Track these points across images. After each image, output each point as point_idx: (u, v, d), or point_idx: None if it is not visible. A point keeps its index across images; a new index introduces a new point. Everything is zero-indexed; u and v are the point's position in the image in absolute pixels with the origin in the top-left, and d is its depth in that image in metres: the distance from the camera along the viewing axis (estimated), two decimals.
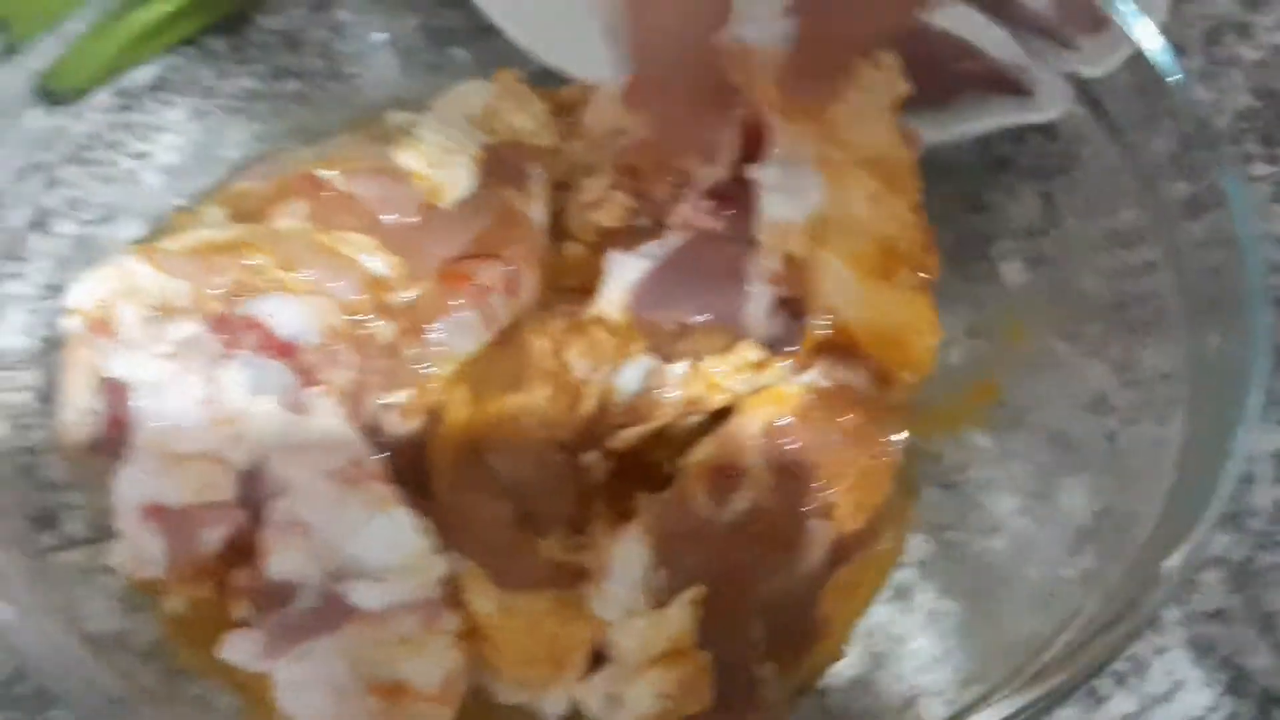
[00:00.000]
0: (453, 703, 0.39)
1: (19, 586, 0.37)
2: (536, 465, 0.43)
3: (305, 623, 0.38)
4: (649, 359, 0.43)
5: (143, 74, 0.51)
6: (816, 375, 0.43)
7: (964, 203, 0.54)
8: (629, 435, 0.42)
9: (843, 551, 0.42)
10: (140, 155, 0.51)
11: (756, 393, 0.43)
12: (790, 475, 0.41)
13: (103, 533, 0.43)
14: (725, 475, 0.41)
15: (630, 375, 0.43)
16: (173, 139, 0.52)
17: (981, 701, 0.38)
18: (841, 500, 0.41)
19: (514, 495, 0.42)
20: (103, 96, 0.50)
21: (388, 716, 0.38)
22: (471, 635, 0.40)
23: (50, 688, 0.33)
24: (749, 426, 0.42)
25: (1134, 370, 0.47)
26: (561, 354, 0.43)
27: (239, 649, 0.38)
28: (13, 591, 0.37)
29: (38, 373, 0.45)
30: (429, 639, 0.39)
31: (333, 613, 0.38)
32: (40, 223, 0.48)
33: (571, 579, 0.41)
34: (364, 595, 0.38)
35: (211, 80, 0.53)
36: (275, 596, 0.38)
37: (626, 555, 0.40)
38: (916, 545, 0.46)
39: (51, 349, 0.46)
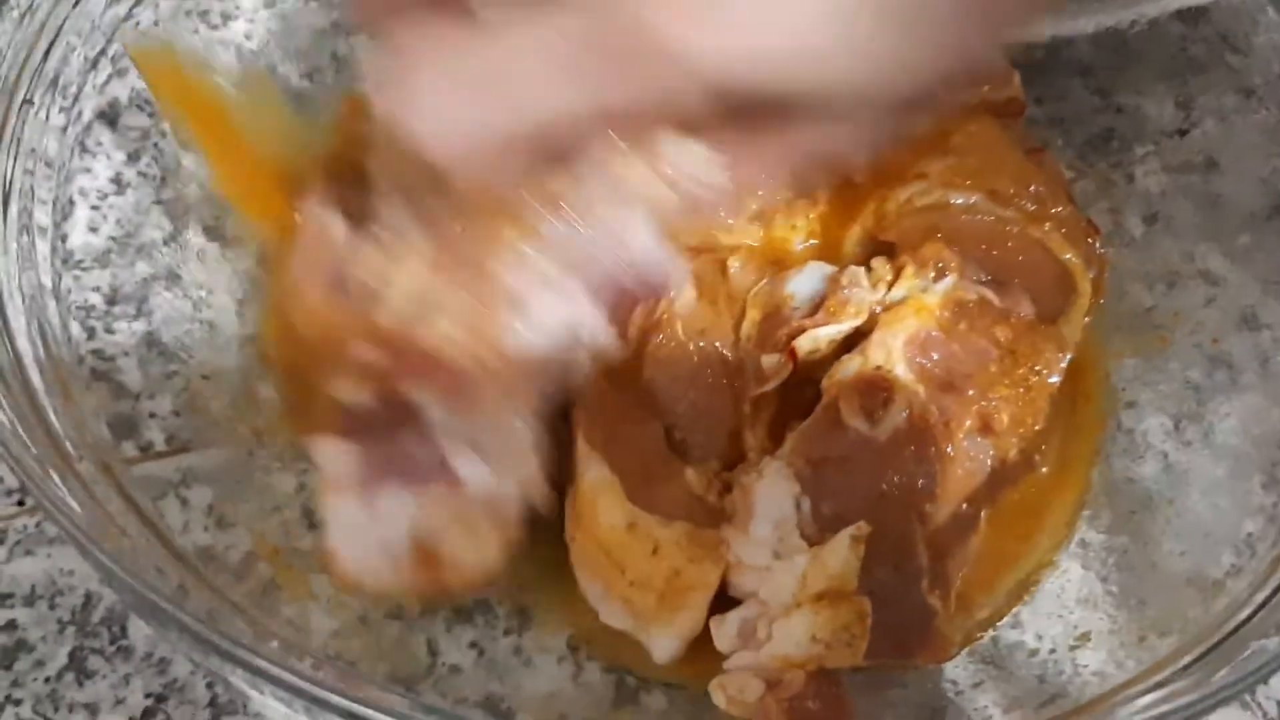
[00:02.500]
0: (475, 593, 0.38)
1: (104, 495, 0.34)
2: (695, 388, 0.40)
3: (403, 467, 0.36)
4: (824, 264, 0.41)
5: None
6: (955, 284, 0.40)
7: (1100, 104, 0.50)
8: (822, 334, 0.39)
9: (1003, 474, 0.38)
10: (210, 44, 0.47)
11: (894, 306, 0.40)
12: (942, 388, 0.38)
13: (182, 443, 0.40)
14: (875, 389, 0.38)
15: (807, 279, 0.40)
16: (244, 26, 0.48)
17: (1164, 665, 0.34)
18: (998, 415, 0.38)
19: (668, 416, 0.39)
20: None
21: (416, 584, 0.37)
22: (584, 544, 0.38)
23: (136, 603, 0.30)
24: (894, 339, 0.39)
25: None
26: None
27: (331, 454, 0.36)
28: (98, 500, 0.33)
29: (106, 273, 0.42)
30: (488, 530, 0.37)
31: (430, 469, 0.36)
32: (109, 115, 0.45)
33: (708, 517, 0.38)
34: (466, 469, 0.36)
35: None
36: (389, 421, 0.36)
37: (772, 490, 0.37)
38: None
39: (121, 248, 0.43)
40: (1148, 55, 0.49)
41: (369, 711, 0.28)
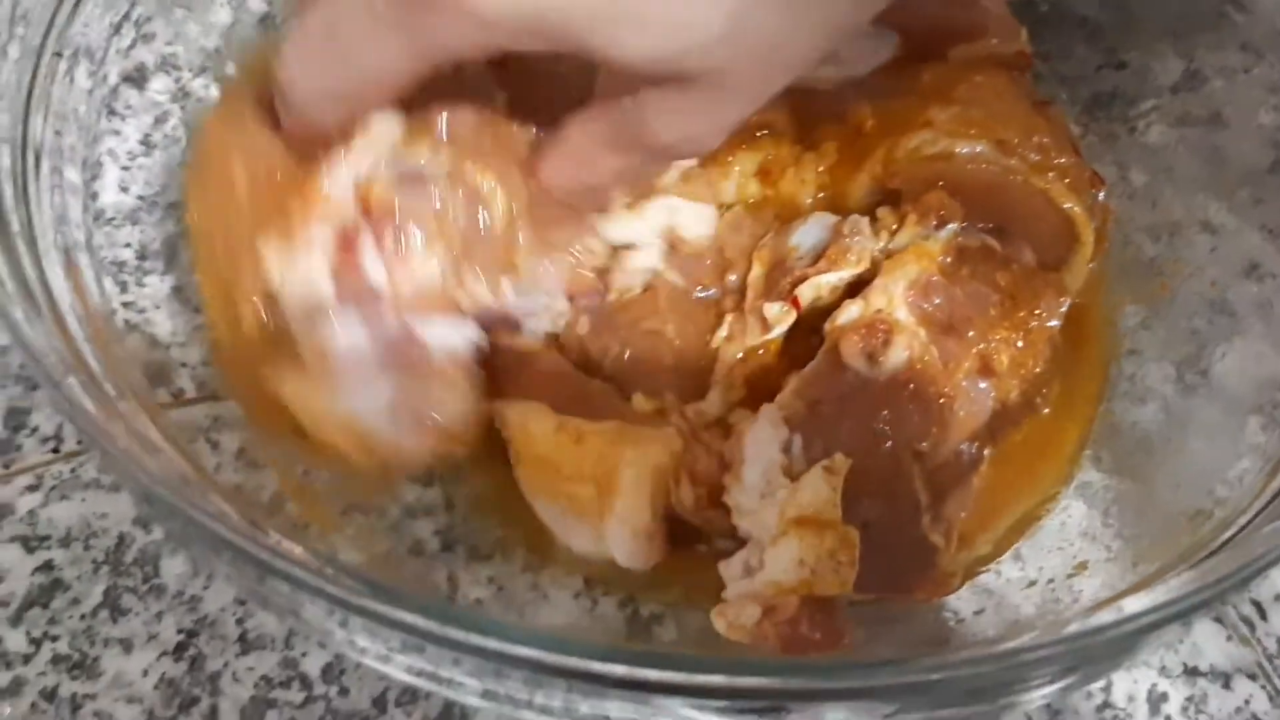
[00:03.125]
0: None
1: (144, 431, 0.36)
2: (636, 337, 0.41)
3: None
4: (828, 214, 0.42)
5: None
6: (958, 231, 0.41)
7: (1104, 60, 0.51)
8: (824, 280, 0.40)
9: (1006, 415, 0.39)
10: (234, 6, 0.49)
11: (896, 253, 0.41)
12: (943, 331, 0.39)
13: (212, 391, 0.42)
14: (876, 331, 0.39)
15: (810, 230, 0.42)
16: None
17: (1158, 576, 0.35)
18: (998, 358, 0.39)
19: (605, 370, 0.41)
20: None
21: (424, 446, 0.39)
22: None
23: (183, 526, 0.32)
24: (895, 285, 0.40)
25: None
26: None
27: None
28: (140, 434, 0.35)
29: (136, 229, 0.44)
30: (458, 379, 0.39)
31: (401, 339, 0.38)
32: (135, 78, 0.46)
33: (640, 418, 0.39)
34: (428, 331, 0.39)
35: None
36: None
37: (760, 436, 0.38)
38: None
39: (150, 207, 0.44)
40: (1152, 12, 0.50)
41: (411, 617, 0.29)
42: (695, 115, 0.34)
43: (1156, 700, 0.41)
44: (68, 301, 0.38)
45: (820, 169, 0.44)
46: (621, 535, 0.37)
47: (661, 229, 0.43)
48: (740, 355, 0.40)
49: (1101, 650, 0.33)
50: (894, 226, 0.41)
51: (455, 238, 0.39)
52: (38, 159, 0.41)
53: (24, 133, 0.41)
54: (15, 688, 0.40)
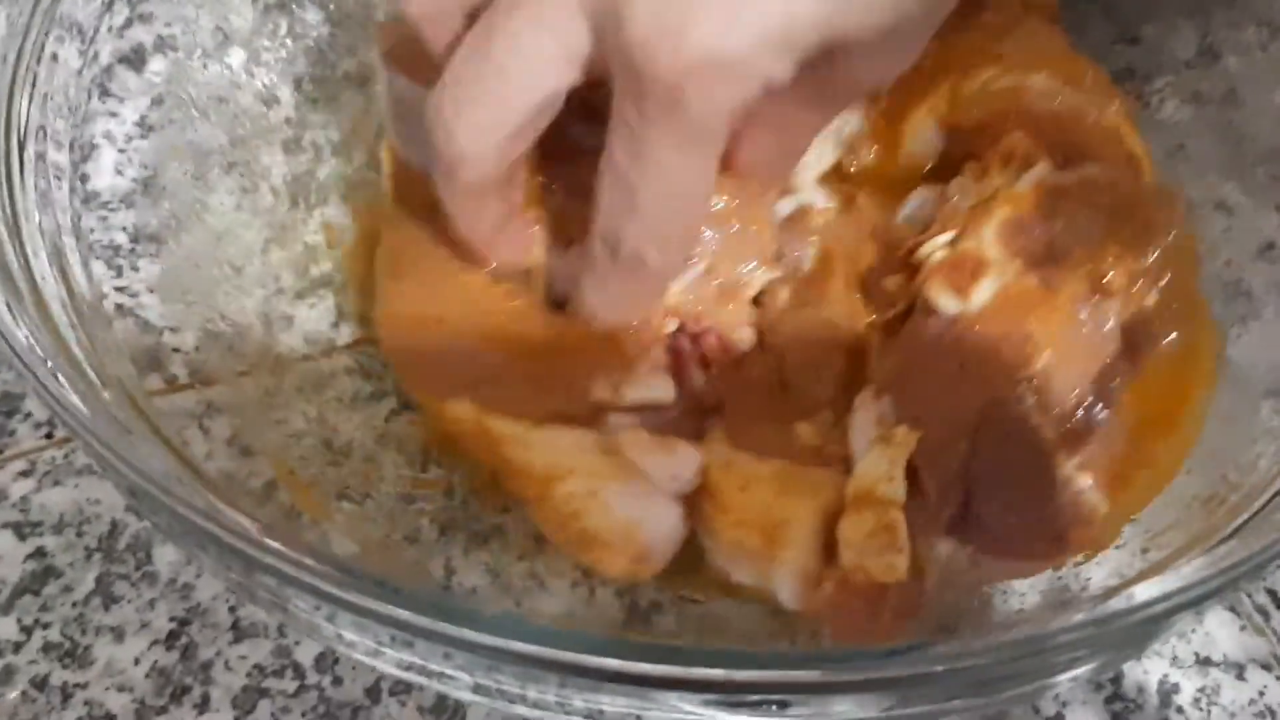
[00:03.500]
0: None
1: (127, 422, 0.35)
2: (805, 341, 0.40)
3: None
4: (926, 188, 0.41)
5: None
6: (1045, 172, 0.39)
7: (1118, 35, 0.50)
8: (938, 240, 0.38)
9: (1138, 340, 0.37)
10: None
11: (983, 202, 0.39)
12: (1043, 260, 0.36)
13: (205, 376, 0.41)
14: (962, 266, 0.37)
15: (914, 207, 0.41)
16: None
17: (1169, 561, 0.34)
18: (1110, 273, 0.37)
19: (780, 367, 0.40)
20: None
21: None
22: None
23: (166, 521, 0.31)
24: (985, 229, 0.37)
25: None
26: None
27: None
28: (124, 426, 0.34)
29: (131, 213, 0.43)
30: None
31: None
32: (132, 59, 0.45)
33: (806, 455, 0.37)
34: None
35: None
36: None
37: (860, 420, 0.37)
38: None
39: (145, 189, 0.44)
40: None
41: (400, 612, 0.29)
42: (893, 55, 0.35)
43: (1168, 691, 0.40)
44: (52, 288, 0.37)
45: (874, 113, 0.43)
46: (789, 582, 0.36)
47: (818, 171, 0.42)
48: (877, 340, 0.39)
49: (1112, 640, 0.32)
50: (980, 178, 0.40)
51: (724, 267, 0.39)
52: (22, 141, 0.40)
53: (7, 113, 0.40)
54: (6, 676, 0.39)
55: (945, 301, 0.36)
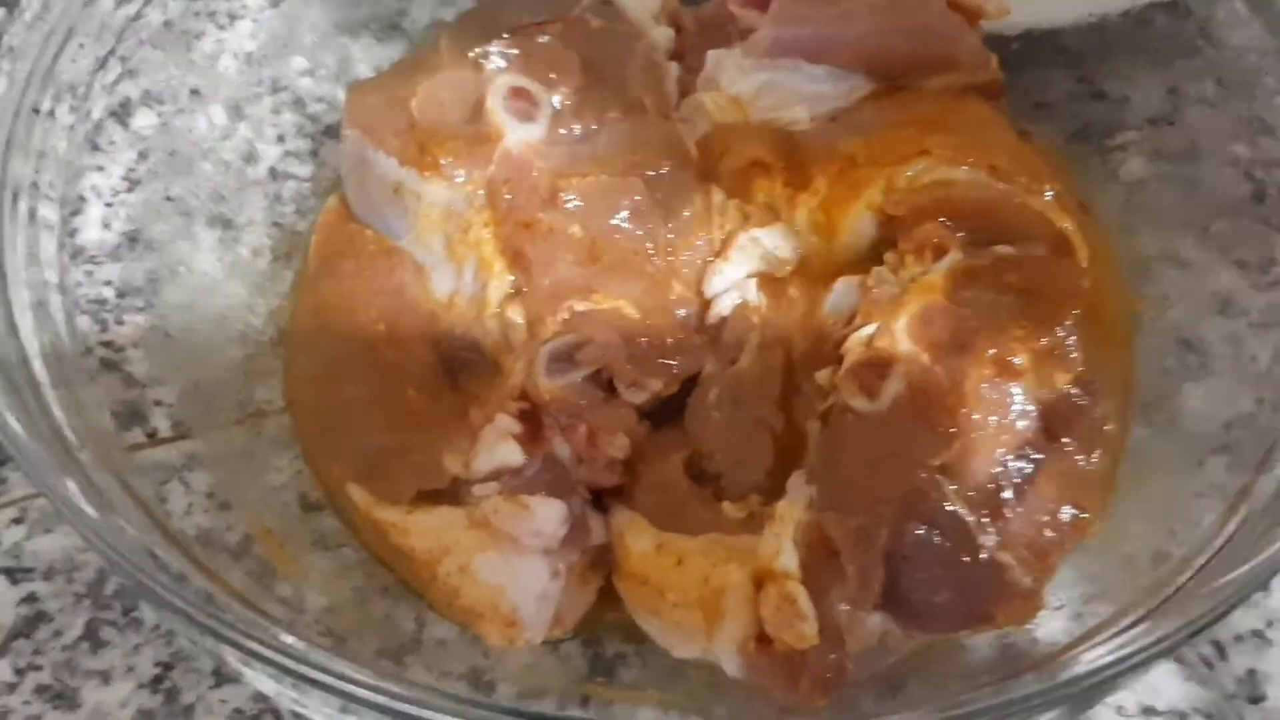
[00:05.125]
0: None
1: (104, 484, 0.36)
2: (732, 432, 0.41)
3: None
4: (850, 277, 0.42)
5: None
6: (959, 259, 0.41)
7: (1082, 91, 0.51)
8: (863, 334, 0.40)
9: (1058, 416, 0.38)
10: (217, 43, 0.49)
11: (899, 295, 0.41)
12: (950, 351, 0.38)
13: (186, 430, 0.42)
14: (872, 367, 0.38)
15: (840, 296, 0.42)
16: (249, 26, 0.50)
17: (1113, 623, 0.35)
18: (1014, 355, 0.38)
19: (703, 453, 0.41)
20: None
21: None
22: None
23: (134, 587, 0.33)
24: (897, 323, 0.39)
25: (1268, 271, 0.44)
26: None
27: (548, 515, 0.38)
28: (98, 489, 0.36)
29: (117, 266, 0.44)
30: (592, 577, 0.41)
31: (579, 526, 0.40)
32: (119, 113, 0.47)
33: (734, 527, 0.39)
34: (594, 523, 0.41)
35: None
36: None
37: (791, 502, 0.38)
38: None
39: (131, 243, 0.45)
40: (1131, 44, 0.50)
41: (354, 689, 0.30)
42: None
43: None
44: (35, 345, 0.38)
45: (813, 205, 0.44)
46: (730, 653, 0.37)
47: (754, 261, 0.44)
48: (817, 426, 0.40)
49: (1061, 701, 0.33)
50: (897, 268, 0.42)
51: (618, 371, 0.41)
52: (15, 198, 0.41)
53: (3, 171, 0.41)
54: (1, 717, 0.41)
55: (857, 402, 0.38)
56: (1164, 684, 0.42)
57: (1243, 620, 0.43)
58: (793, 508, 0.37)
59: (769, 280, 0.44)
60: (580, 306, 0.42)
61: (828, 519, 0.37)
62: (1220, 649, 0.43)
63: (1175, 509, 0.41)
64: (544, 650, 0.40)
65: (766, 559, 0.37)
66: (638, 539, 0.39)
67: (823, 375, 0.40)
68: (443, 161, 0.43)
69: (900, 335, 0.38)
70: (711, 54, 0.47)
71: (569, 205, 0.43)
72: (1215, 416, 0.43)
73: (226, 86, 0.49)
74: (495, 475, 0.39)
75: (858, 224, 0.44)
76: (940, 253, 0.41)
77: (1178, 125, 0.49)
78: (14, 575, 0.43)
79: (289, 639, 0.31)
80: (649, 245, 0.44)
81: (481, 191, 0.43)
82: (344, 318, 0.44)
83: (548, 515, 0.38)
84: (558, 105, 0.45)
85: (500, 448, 0.39)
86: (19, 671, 0.42)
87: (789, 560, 0.36)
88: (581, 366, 0.41)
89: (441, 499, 0.39)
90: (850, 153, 0.44)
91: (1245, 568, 0.35)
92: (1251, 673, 0.42)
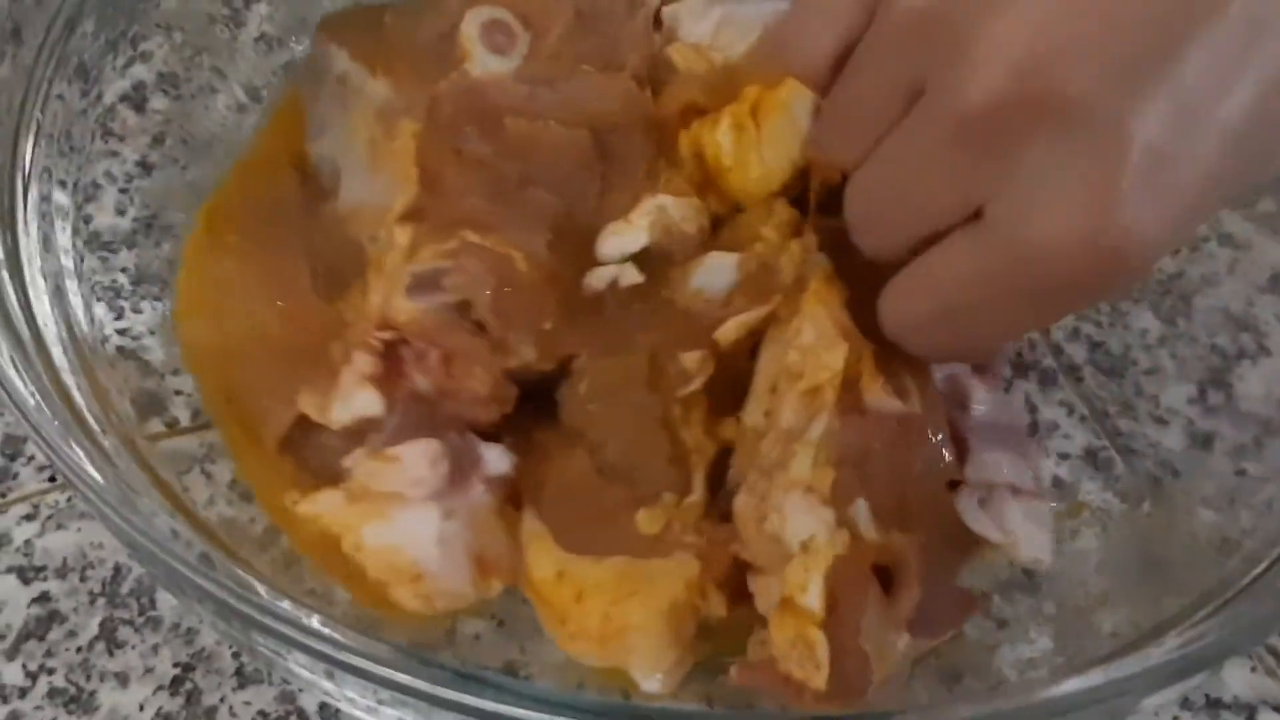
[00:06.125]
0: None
1: (127, 469, 0.35)
2: (624, 429, 0.39)
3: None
4: (724, 253, 0.39)
5: None
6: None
7: None
8: (741, 320, 0.38)
9: None
10: (235, 24, 0.48)
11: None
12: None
13: (207, 419, 0.41)
14: (891, 365, 0.37)
15: (713, 272, 0.39)
16: (266, 8, 0.49)
17: (1184, 615, 0.34)
18: None
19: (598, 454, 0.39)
20: None
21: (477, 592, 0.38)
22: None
23: (159, 573, 0.31)
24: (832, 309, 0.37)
25: None
26: None
27: (418, 458, 0.37)
28: (122, 477, 0.34)
29: (133, 253, 0.43)
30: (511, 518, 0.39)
31: (470, 463, 0.38)
32: (133, 97, 0.45)
33: (647, 547, 0.37)
34: (493, 456, 0.38)
35: None
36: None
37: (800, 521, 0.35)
38: (1079, 435, 0.42)
39: (146, 229, 0.44)
40: None
41: (391, 673, 0.29)
42: None
43: None
44: (54, 331, 0.37)
45: (743, 111, 0.40)
46: (650, 681, 0.36)
47: (654, 231, 0.40)
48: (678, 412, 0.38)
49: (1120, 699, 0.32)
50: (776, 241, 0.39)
51: (489, 313, 0.38)
52: (26, 183, 0.40)
53: (13, 156, 0.40)
54: None
55: (888, 404, 0.36)
56: (1231, 675, 0.40)
57: None
58: (831, 543, 0.34)
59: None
60: (473, 238, 0.39)
61: (897, 541, 0.35)
62: None
63: (1239, 493, 0.39)
64: None
65: (790, 590, 0.34)
66: (540, 561, 0.37)
67: (690, 359, 0.38)
68: (396, 66, 0.42)
69: (848, 326, 0.36)
70: (668, 9, 0.44)
71: (509, 143, 0.41)
72: (1273, 397, 0.42)
73: (244, 70, 0.48)
74: (357, 433, 0.38)
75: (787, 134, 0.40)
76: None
77: None
78: (25, 574, 0.42)
79: (323, 624, 0.29)
80: (571, 206, 0.41)
81: (423, 102, 0.41)
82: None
83: (417, 458, 0.36)
84: (534, 47, 0.43)
85: (358, 395, 0.37)
86: (31, 674, 0.40)
87: (813, 600, 0.33)
88: (445, 293, 0.38)
89: (320, 484, 0.38)
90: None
91: None
92: None
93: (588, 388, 0.39)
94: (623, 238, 0.40)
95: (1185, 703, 0.40)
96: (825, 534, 0.34)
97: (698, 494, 0.38)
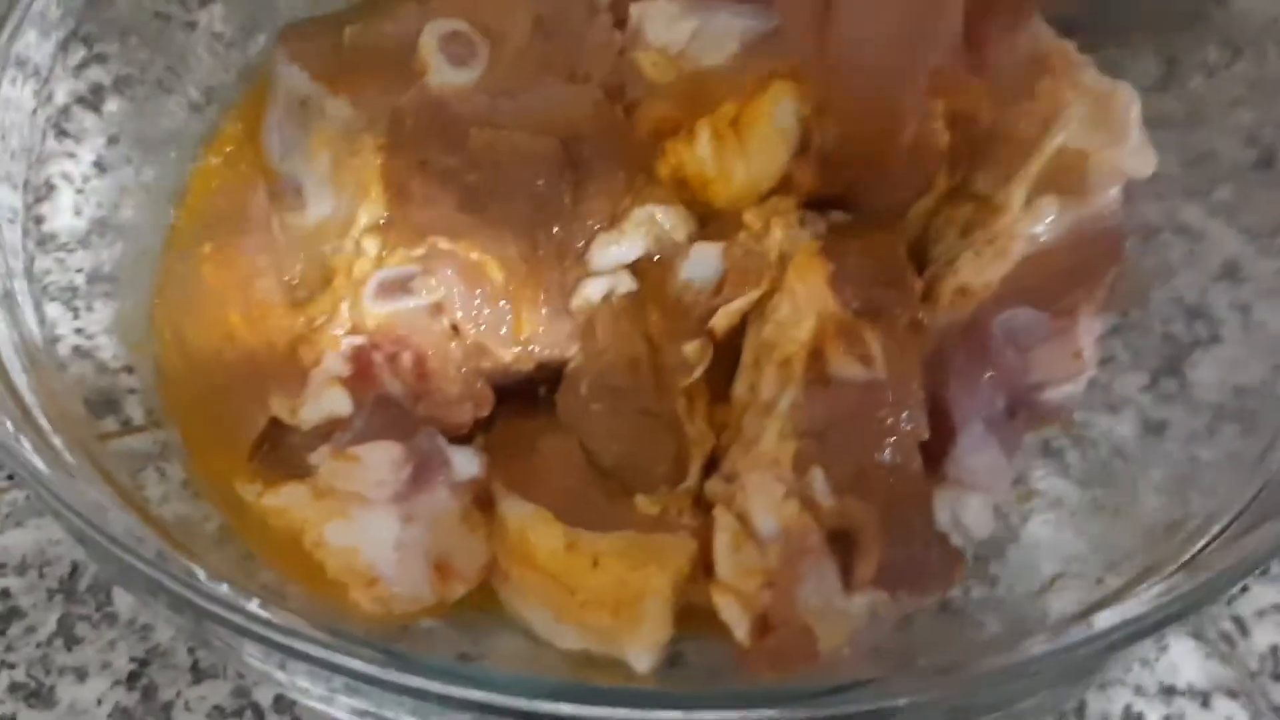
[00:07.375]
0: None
1: (79, 468, 0.35)
2: (624, 434, 0.39)
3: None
4: (709, 243, 0.40)
5: None
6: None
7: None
8: (734, 307, 0.38)
9: None
10: (189, 25, 0.48)
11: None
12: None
13: (160, 418, 0.41)
14: (850, 333, 0.37)
15: (699, 263, 0.40)
16: (221, 10, 0.49)
17: (1129, 588, 0.34)
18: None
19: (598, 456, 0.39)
20: None
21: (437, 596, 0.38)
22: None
23: (113, 570, 0.31)
24: (814, 285, 0.38)
25: (1276, 237, 0.43)
26: None
27: (380, 461, 0.37)
28: (73, 475, 0.34)
29: (88, 253, 0.43)
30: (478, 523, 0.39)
31: (435, 466, 0.38)
32: (89, 100, 0.45)
33: (649, 524, 0.37)
34: (461, 459, 0.38)
35: None
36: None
37: (762, 497, 0.36)
38: None
39: (102, 230, 0.44)
40: (1131, 7, 0.49)
41: (346, 660, 0.29)
42: None
43: None
44: (4, 332, 0.37)
45: (723, 122, 0.41)
46: (646, 655, 0.36)
47: (647, 241, 0.41)
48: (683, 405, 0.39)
49: (1068, 669, 0.32)
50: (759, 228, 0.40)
51: (461, 318, 0.39)
52: None
53: None
54: None
55: (853, 371, 0.36)
56: (1184, 662, 0.41)
57: (1264, 595, 0.42)
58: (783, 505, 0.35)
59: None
60: (443, 245, 0.39)
61: (853, 507, 0.35)
62: (1242, 625, 0.41)
63: (1190, 478, 0.39)
64: (531, 637, 0.38)
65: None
66: (545, 536, 0.37)
67: (691, 349, 0.38)
68: (357, 81, 0.42)
69: (830, 299, 0.37)
70: (635, 7, 0.44)
71: (474, 153, 0.41)
72: (1226, 384, 0.42)
73: (199, 71, 0.48)
74: (326, 431, 0.38)
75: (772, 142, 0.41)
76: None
77: (1178, 91, 0.48)
78: None
79: (274, 614, 0.29)
80: (544, 213, 0.40)
81: (385, 117, 0.41)
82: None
83: (379, 459, 0.36)
84: (494, 56, 0.43)
85: (327, 395, 0.38)
86: None
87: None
88: (414, 295, 0.39)
89: (287, 477, 0.38)
90: (770, 70, 0.41)
91: (1262, 531, 0.34)
92: (1275, 649, 0.41)
93: (588, 389, 0.39)
94: (618, 248, 0.40)
95: (1139, 689, 0.40)
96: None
97: (692, 481, 0.38)
